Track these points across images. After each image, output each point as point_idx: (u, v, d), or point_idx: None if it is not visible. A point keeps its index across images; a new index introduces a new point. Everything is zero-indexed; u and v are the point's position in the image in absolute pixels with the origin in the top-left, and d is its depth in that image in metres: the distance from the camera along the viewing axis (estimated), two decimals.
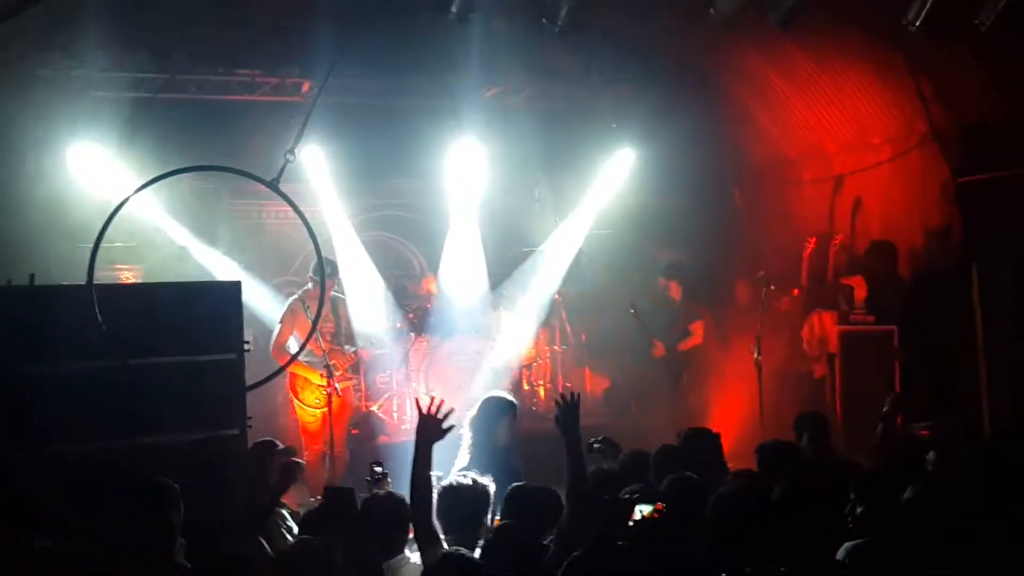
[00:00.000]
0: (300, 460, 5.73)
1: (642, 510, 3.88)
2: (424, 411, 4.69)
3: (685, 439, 5.72)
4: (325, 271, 8.20)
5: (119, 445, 5.40)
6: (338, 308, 8.80)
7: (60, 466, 5.25)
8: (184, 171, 6.88)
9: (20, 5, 6.82)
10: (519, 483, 4.85)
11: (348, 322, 8.98)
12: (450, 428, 4.74)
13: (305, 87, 10.28)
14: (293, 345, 8.39)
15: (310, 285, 8.56)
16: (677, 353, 10.02)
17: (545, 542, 4.51)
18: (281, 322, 8.54)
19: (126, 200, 6.02)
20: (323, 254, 7.39)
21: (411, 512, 4.62)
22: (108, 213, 5.93)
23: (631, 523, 3.86)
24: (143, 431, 5.50)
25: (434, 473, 5.02)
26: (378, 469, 5.36)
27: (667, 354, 10.06)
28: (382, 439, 9.34)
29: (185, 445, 5.59)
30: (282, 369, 7.35)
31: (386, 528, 4.56)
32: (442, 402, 4.72)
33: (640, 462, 5.48)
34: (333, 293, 8.73)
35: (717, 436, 5.80)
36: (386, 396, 9.86)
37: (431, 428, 4.67)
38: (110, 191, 8.15)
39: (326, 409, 8.27)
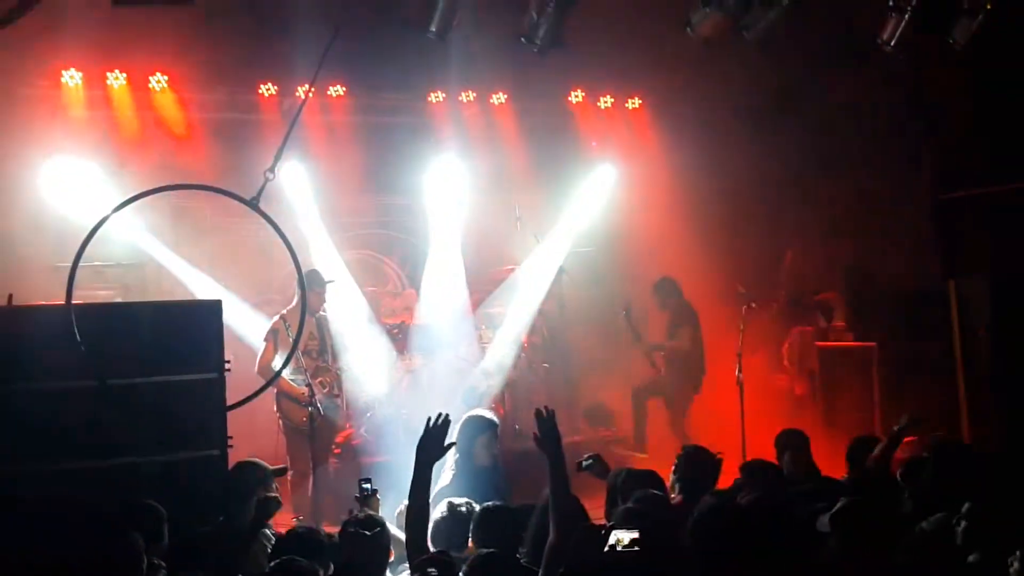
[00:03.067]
0: (276, 495, 5.64)
1: (619, 536, 3.87)
2: (430, 425, 4.65)
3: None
4: (312, 284, 8.20)
5: (98, 465, 5.37)
6: (322, 325, 8.76)
7: (37, 485, 5.21)
8: (163, 190, 6.86)
9: (14, 13, 6.81)
10: (489, 504, 4.82)
11: (333, 339, 8.93)
12: (451, 445, 4.74)
13: (284, 105, 10.28)
14: (279, 364, 8.35)
15: (295, 302, 8.52)
16: (667, 351, 10.08)
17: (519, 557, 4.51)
18: (265, 341, 8.49)
19: (105, 219, 5.99)
20: (304, 270, 7.38)
21: (407, 530, 4.61)
22: (87, 232, 5.90)
23: (607, 549, 3.85)
24: (122, 451, 5.47)
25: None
26: (367, 487, 5.33)
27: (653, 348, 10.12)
28: (365, 459, 9.27)
29: (164, 465, 5.56)
30: (263, 389, 7.29)
31: (367, 551, 4.52)
32: (446, 416, 4.71)
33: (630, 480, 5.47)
34: (319, 313, 8.69)
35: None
36: (368, 415, 9.81)
37: (433, 445, 4.64)
38: (90, 210, 8.11)
39: (309, 428, 8.22)
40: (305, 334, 8.16)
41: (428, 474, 4.64)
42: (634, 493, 4.75)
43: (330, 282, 8.85)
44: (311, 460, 8.37)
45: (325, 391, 8.37)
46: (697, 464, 5.51)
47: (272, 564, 4.16)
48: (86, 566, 4.25)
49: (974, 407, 8.94)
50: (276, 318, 8.55)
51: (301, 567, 4.11)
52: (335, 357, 8.79)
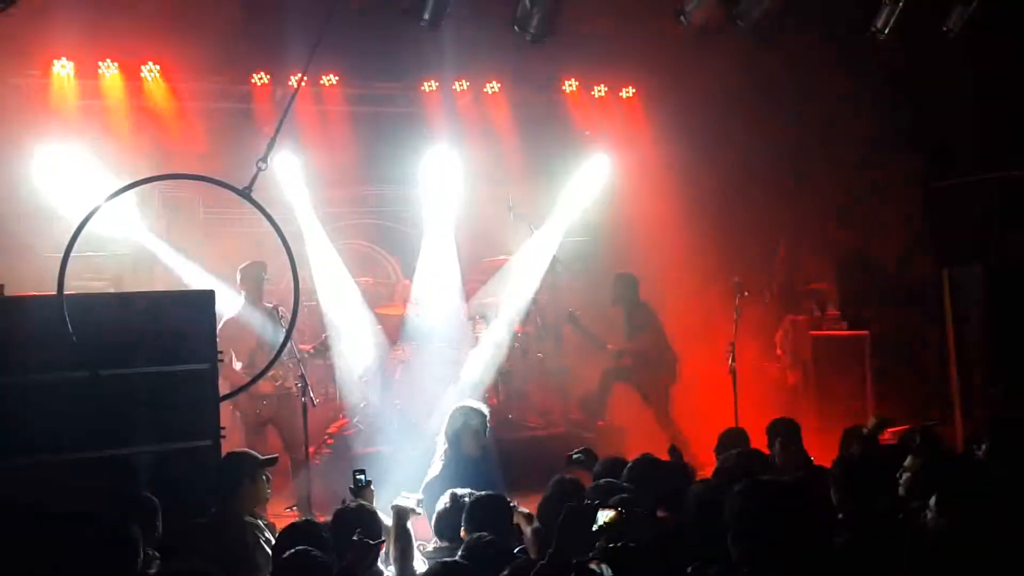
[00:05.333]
0: (267, 485, 5.62)
1: (604, 516, 3.89)
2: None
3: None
4: (251, 273, 8.16)
5: (90, 457, 5.37)
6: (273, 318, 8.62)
7: (29, 477, 5.21)
8: (155, 179, 6.84)
9: (4, 3, 6.78)
10: (480, 495, 4.82)
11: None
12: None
13: (277, 94, 10.26)
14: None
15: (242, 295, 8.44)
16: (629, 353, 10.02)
17: (515, 550, 4.51)
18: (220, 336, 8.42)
19: (96, 209, 5.96)
20: (292, 262, 7.35)
21: None
22: (79, 223, 5.87)
23: (593, 529, 3.86)
24: (115, 442, 5.47)
25: (414, 495, 5.06)
26: (360, 477, 5.32)
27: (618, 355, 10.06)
28: (359, 449, 9.28)
29: (157, 456, 5.56)
30: (257, 378, 7.27)
31: (371, 558, 4.50)
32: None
33: (616, 468, 5.48)
34: (266, 303, 8.61)
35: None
36: (362, 405, 9.81)
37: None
38: (81, 200, 8.08)
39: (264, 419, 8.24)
40: (259, 325, 8.12)
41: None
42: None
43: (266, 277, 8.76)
44: (299, 451, 8.35)
45: (277, 384, 8.34)
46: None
47: (286, 555, 4.12)
48: (85, 557, 4.26)
49: (967, 396, 8.95)
50: (231, 315, 8.48)
51: (316, 560, 4.07)
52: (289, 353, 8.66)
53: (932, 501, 4.08)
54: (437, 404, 8.67)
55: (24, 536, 4.76)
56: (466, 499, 4.95)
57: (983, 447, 5.49)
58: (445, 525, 4.98)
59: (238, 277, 8.53)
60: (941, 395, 9.28)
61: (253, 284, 8.50)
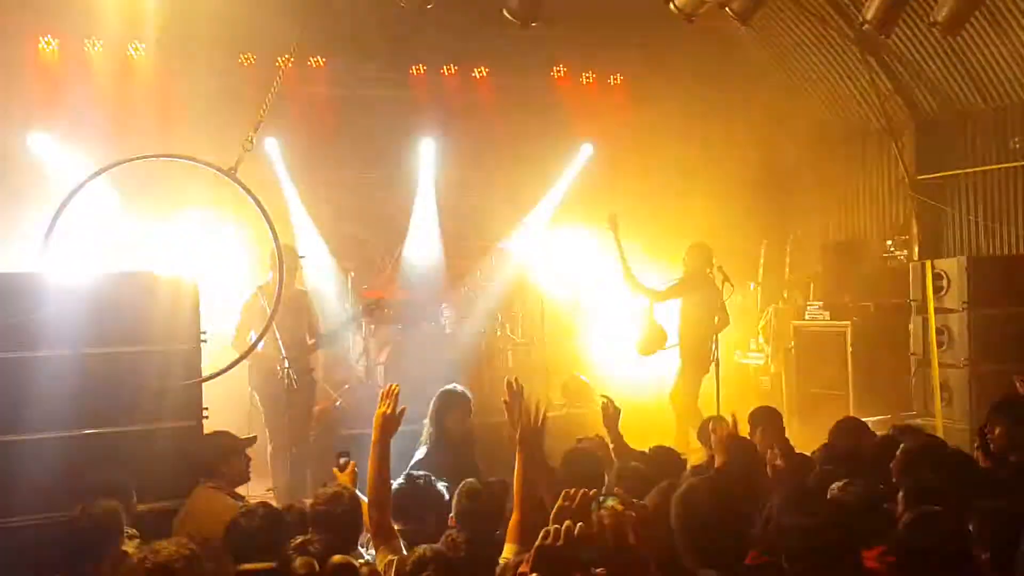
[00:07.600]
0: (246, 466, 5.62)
1: (610, 502, 3.90)
2: (385, 407, 4.68)
3: None
4: (285, 260, 8.12)
5: (71, 436, 5.35)
6: (299, 300, 8.62)
7: (8, 456, 5.20)
8: (139, 159, 6.80)
9: None
10: (468, 480, 4.83)
11: (311, 315, 8.79)
12: (403, 411, 4.73)
13: (263, 75, 10.19)
14: (254, 337, 8.28)
15: (270, 276, 8.42)
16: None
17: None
18: (240, 314, 8.41)
19: (80, 187, 5.94)
20: (283, 243, 7.34)
21: (370, 509, 4.60)
22: (62, 201, 5.85)
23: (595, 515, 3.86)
24: (96, 422, 5.45)
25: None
26: (343, 460, 5.33)
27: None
28: (343, 430, 9.27)
29: (140, 435, 5.55)
30: (238, 360, 7.25)
31: (340, 524, 4.52)
32: (396, 390, 4.71)
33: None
34: (297, 287, 8.61)
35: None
36: (346, 387, 9.82)
37: (390, 422, 4.67)
38: (65, 179, 8.04)
39: (283, 401, 8.20)
40: (281, 309, 8.08)
41: (388, 452, 4.69)
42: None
43: (302, 257, 8.75)
44: (289, 434, 8.34)
45: (299, 366, 8.29)
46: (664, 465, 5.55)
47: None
48: (67, 536, 4.27)
49: (947, 388, 8.99)
50: (252, 291, 8.48)
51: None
52: (311, 333, 8.67)
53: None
54: (422, 387, 8.66)
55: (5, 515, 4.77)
56: (421, 481, 4.93)
57: None
58: (400, 506, 4.93)
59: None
60: (922, 386, 9.32)
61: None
